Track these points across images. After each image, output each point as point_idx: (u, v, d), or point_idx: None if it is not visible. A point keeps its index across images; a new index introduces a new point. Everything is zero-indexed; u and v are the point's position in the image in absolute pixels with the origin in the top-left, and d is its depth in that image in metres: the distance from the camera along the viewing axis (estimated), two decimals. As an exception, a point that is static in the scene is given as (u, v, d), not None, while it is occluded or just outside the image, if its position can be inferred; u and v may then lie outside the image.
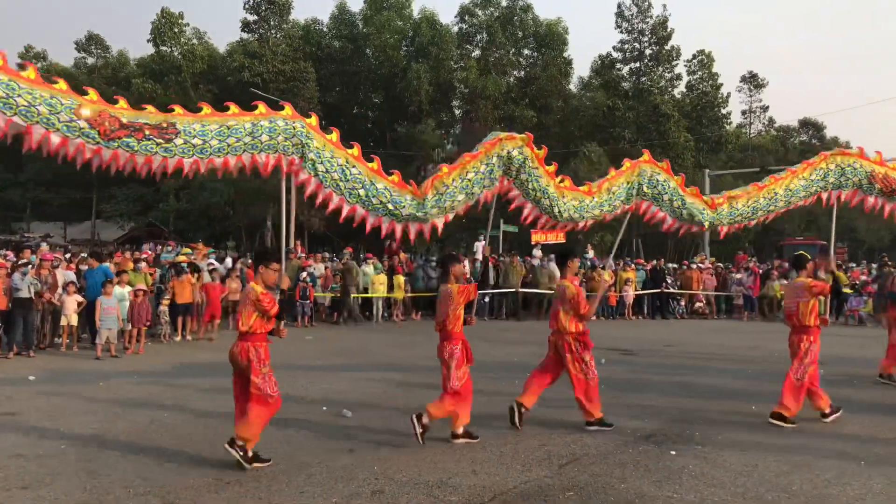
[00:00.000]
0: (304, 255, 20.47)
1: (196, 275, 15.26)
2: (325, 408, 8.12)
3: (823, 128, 61.68)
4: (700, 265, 24.20)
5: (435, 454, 6.19)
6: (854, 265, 27.64)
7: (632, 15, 43.36)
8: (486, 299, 20.66)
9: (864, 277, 22.25)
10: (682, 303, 22.77)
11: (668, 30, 43.29)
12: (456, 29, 44.81)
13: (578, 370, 7.13)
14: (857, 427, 7.46)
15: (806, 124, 61.92)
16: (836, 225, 9.89)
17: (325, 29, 45.41)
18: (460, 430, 6.64)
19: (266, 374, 5.82)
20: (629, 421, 7.58)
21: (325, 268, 19.30)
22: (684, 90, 46.82)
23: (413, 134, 38.47)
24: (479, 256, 24.39)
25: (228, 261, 19.67)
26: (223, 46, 46.25)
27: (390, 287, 19.33)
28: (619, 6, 43.56)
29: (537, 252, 23.11)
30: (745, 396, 9.03)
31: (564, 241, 29.87)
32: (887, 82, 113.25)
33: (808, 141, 61.78)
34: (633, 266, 23.03)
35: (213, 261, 18.19)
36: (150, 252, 18.32)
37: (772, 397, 9.04)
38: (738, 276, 23.57)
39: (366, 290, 19.19)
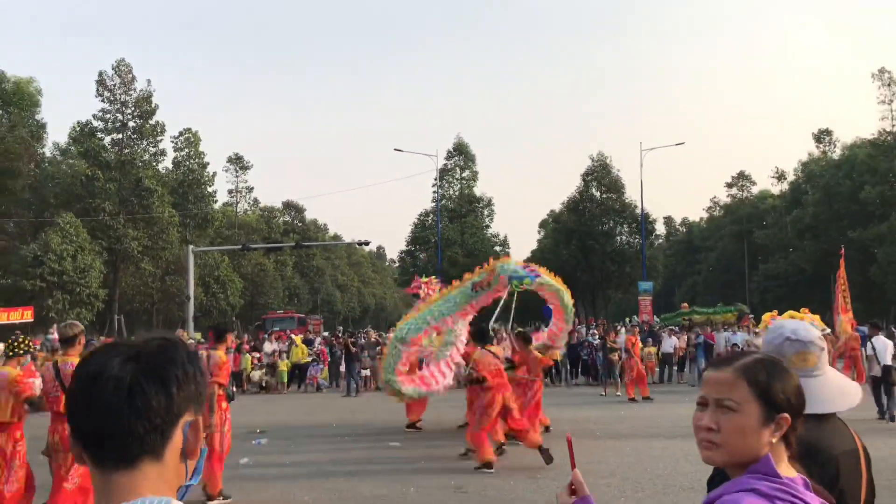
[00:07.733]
0: None
1: None
2: None
3: (304, 210, 67.95)
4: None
5: None
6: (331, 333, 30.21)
7: (114, 85, 41.80)
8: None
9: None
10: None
11: (153, 104, 42.86)
12: None
13: None
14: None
15: (288, 206, 67.38)
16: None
17: None
18: None
19: None
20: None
21: None
22: (170, 166, 46.72)
23: None
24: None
25: None
26: None
27: None
28: (100, 74, 41.61)
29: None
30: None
31: None
32: (361, 170, 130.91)
33: (290, 221, 67.24)
34: None
35: None
36: None
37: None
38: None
39: None
